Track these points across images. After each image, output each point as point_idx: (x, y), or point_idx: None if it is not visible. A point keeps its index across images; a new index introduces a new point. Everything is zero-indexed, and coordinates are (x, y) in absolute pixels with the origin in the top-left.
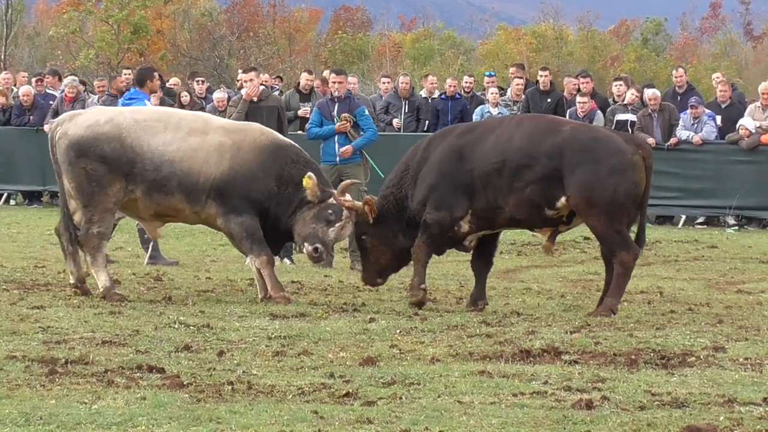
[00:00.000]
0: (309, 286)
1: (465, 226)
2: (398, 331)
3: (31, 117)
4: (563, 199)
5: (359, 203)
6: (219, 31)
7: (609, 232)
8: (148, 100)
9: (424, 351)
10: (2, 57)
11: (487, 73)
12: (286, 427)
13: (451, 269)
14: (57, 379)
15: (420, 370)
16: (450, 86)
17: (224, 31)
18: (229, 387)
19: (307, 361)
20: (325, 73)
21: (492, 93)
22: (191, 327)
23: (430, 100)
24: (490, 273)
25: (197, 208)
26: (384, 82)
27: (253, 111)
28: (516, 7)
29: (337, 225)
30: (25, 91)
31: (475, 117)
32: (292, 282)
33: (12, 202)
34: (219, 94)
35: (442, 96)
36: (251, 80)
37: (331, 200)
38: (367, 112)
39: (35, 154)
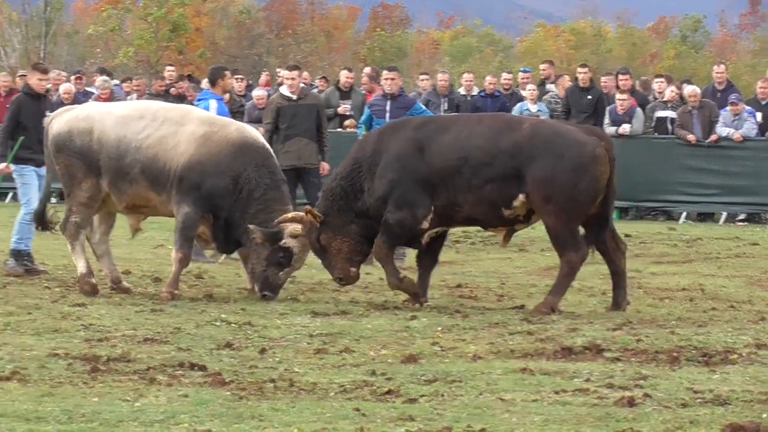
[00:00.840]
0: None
1: (425, 223)
2: (440, 328)
3: None
4: (521, 197)
5: (300, 214)
6: (257, 28)
7: (563, 231)
8: (220, 100)
9: (465, 348)
10: (41, 55)
11: (522, 69)
12: (327, 425)
13: (491, 267)
14: (99, 377)
15: (461, 368)
16: (489, 84)
17: (263, 29)
18: (271, 384)
19: (348, 358)
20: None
21: (530, 90)
22: (233, 324)
23: (469, 98)
24: (532, 270)
25: (163, 197)
26: (422, 80)
27: (292, 109)
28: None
29: (287, 269)
30: (66, 89)
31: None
32: (333, 280)
33: (53, 200)
34: (258, 92)
35: (481, 93)
36: (293, 79)
37: (284, 242)
38: (423, 107)
39: None
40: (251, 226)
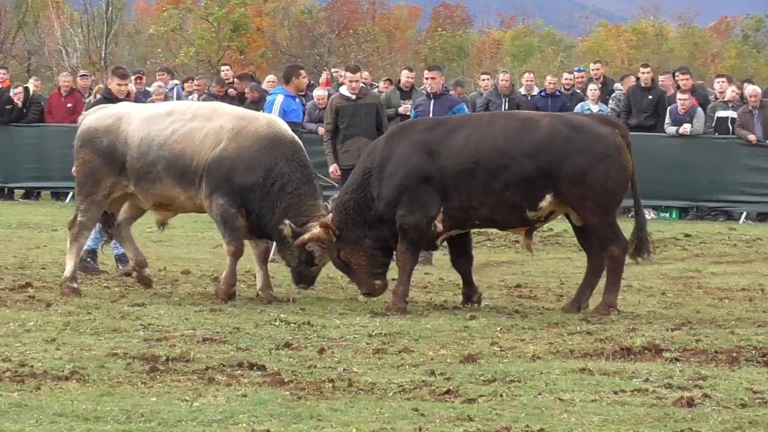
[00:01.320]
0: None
1: (439, 226)
2: (499, 328)
3: None
4: (548, 198)
5: (317, 230)
6: (318, 28)
7: (602, 225)
8: (291, 97)
9: (524, 348)
10: (102, 55)
11: (577, 69)
12: (386, 425)
13: (551, 266)
14: (158, 377)
15: (520, 368)
16: (550, 83)
17: (324, 29)
18: (330, 384)
19: (407, 358)
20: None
21: (592, 89)
22: (292, 324)
23: (529, 98)
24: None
25: (191, 193)
26: (483, 80)
27: (351, 109)
28: (616, 3)
29: (317, 263)
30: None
31: None
32: (393, 280)
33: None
34: (319, 92)
35: (542, 93)
36: (356, 81)
37: (308, 246)
38: (466, 109)
39: None
40: (286, 221)
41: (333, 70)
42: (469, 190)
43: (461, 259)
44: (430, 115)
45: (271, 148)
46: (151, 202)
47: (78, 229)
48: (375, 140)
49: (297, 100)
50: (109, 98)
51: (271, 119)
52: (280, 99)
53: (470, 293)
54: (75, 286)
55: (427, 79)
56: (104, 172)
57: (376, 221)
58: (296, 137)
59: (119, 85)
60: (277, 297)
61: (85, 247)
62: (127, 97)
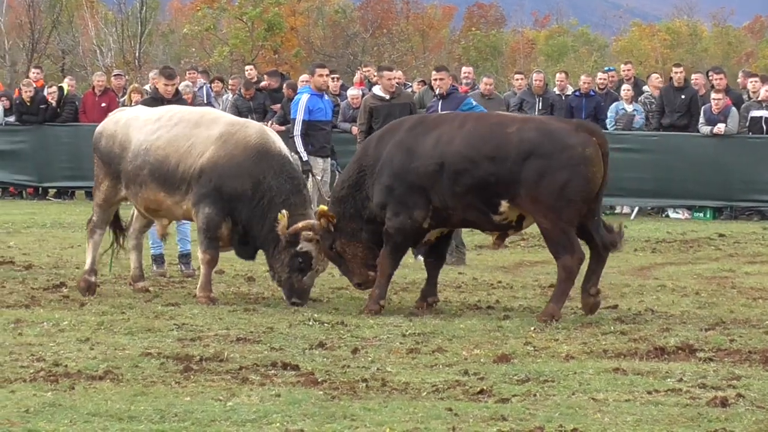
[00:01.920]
0: (443, 284)
1: (425, 224)
2: (532, 328)
3: None
4: (504, 203)
5: (311, 221)
6: (353, 28)
7: (554, 230)
8: (316, 95)
9: (558, 348)
10: (137, 55)
11: (607, 68)
12: (420, 425)
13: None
14: (192, 376)
15: (554, 368)
16: (584, 83)
17: (358, 28)
18: (364, 384)
19: (441, 358)
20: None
21: (625, 89)
22: (325, 324)
23: (563, 97)
24: (625, 270)
25: (176, 198)
26: (517, 79)
27: (385, 109)
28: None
29: (309, 272)
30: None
31: (610, 114)
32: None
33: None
34: (353, 92)
35: (576, 93)
36: (394, 78)
37: (301, 246)
38: (474, 102)
39: None
40: (284, 211)
41: (365, 69)
42: (440, 191)
43: (433, 256)
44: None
45: (259, 159)
46: (141, 207)
47: (91, 227)
48: (369, 137)
49: (326, 98)
50: (156, 98)
51: (262, 129)
52: (305, 98)
53: (428, 294)
54: (93, 280)
55: (435, 80)
56: (102, 175)
57: (372, 219)
58: (284, 149)
59: (166, 85)
60: (213, 299)
61: (151, 253)
62: (177, 95)
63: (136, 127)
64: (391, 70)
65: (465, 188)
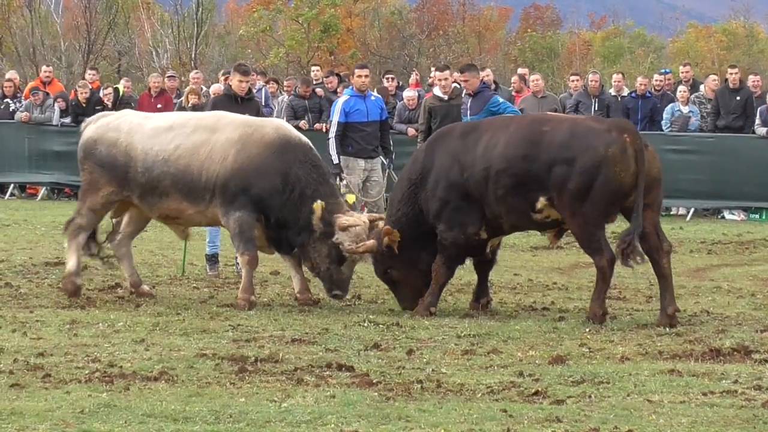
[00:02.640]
0: (498, 285)
1: (483, 234)
2: (587, 329)
3: None
4: (542, 200)
5: (372, 242)
6: (409, 29)
7: (583, 234)
8: (357, 96)
9: (613, 350)
10: (192, 56)
11: (663, 71)
12: (475, 426)
13: (640, 268)
14: (247, 377)
15: (609, 369)
16: (640, 85)
17: (414, 30)
18: (418, 385)
19: (496, 359)
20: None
21: (681, 91)
22: (381, 325)
23: (619, 99)
24: (681, 271)
25: (201, 208)
26: (573, 81)
27: (444, 109)
28: (706, 5)
29: (347, 263)
30: (216, 89)
31: (666, 116)
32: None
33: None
34: (409, 93)
35: (632, 94)
36: (445, 79)
37: (336, 237)
38: (501, 100)
39: None
40: (319, 201)
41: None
42: (488, 200)
43: (483, 261)
44: (468, 113)
45: (282, 152)
46: (156, 215)
47: (75, 229)
48: (418, 148)
49: (372, 98)
50: (230, 95)
51: (278, 124)
52: (341, 101)
53: (481, 295)
54: (77, 281)
55: (462, 80)
56: (104, 182)
57: (430, 233)
58: (304, 138)
59: (240, 81)
60: (315, 300)
61: (206, 253)
62: (249, 94)
63: (143, 134)
64: (443, 70)
65: (504, 189)
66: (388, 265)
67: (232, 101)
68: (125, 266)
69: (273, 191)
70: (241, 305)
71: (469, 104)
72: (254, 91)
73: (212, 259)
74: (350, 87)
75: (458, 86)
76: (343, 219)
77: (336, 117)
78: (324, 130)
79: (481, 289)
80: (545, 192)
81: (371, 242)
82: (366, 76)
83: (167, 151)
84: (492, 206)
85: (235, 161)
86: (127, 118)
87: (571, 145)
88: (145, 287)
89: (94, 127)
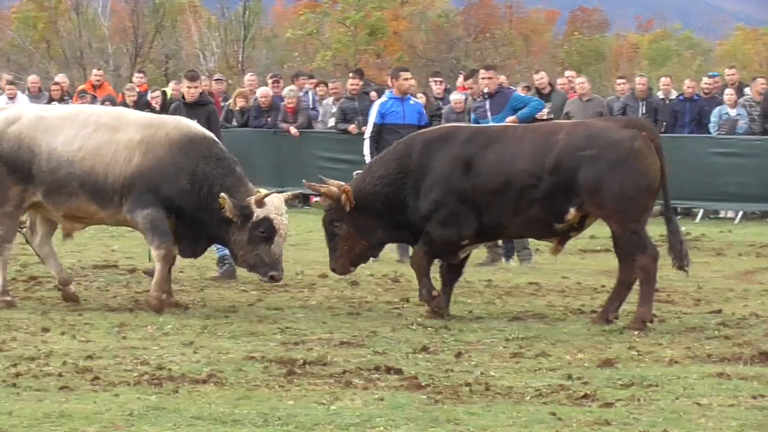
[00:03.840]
0: (547, 288)
1: (467, 240)
2: (636, 332)
3: (269, 118)
4: (572, 211)
5: (335, 189)
6: (455, 32)
7: (625, 233)
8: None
9: (662, 353)
10: (240, 59)
11: (711, 74)
12: (523, 429)
13: (689, 270)
14: (295, 380)
15: (658, 372)
16: (688, 88)
17: (460, 33)
18: (467, 388)
19: (544, 362)
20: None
21: (728, 94)
22: (429, 328)
23: (667, 102)
24: (729, 274)
25: (110, 211)
26: (620, 84)
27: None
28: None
29: (275, 238)
30: (263, 92)
31: (713, 119)
32: (530, 284)
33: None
34: (456, 96)
35: (680, 97)
36: (489, 78)
37: (256, 215)
38: (523, 95)
39: (272, 156)
40: (222, 195)
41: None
42: (498, 209)
43: (452, 272)
44: (488, 114)
45: (187, 150)
46: (61, 214)
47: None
48: (411, 136)
49: (412, 101)
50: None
51: (178, 121)
52: (378, 102)
53: (445, 304)
54: (8, 299)
55: (483, 78)
56: (9, 182)
57: (400, 224)
58: (208, 133)
59: (189, 87)
60: (163, 303)
61: (217, 254)
62: (202, 99)
63: (43, 129)
64: (475, 72)
65: (529, 203)
66: (339, 219)
67: (184, 107)
68: (51, 265)
69: (182, 191)
70: (152, 303)
71: (488, 105)
72: (300, 94)
73: (222, 261)
74: (390, 90)
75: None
76: (255, 197)
77: (372, 118)
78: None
79: (446, 300)
80: (575, 201)
81: (334, 188)
82: (405, 78)
83: (70, 152)
84: (502, 215)
85: (140, 164)
86: (26, 110)
87: (591, 146)
88: (72, 288)
89: None
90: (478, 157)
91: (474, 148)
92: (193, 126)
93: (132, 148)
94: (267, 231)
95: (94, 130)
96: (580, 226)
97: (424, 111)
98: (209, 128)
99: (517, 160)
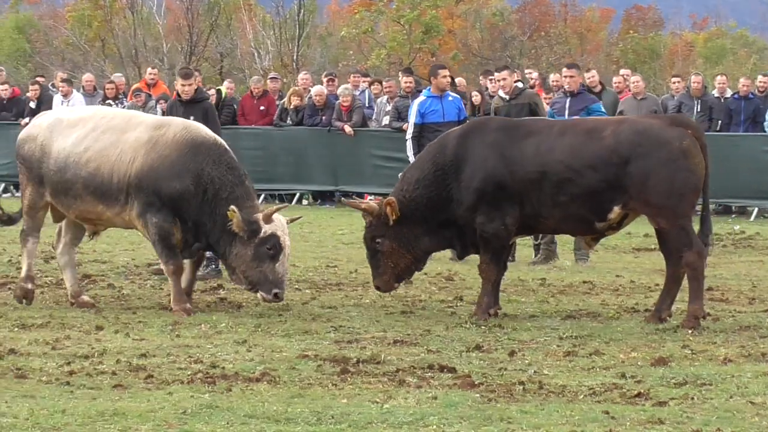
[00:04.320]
0: (600, 287)
1: (512, 230)
2: (690, 331)
3: (323, 117)
4: (616, 209)
5: (375, 205)
6: (510, 30)
7: (673, 229)
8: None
9: (716, 351)
10: (294, 57)
11: (765, 72)
12: (576, 428)
13: (743, 269)
14: (348, 379)
15: (712, 371)
16: (743, 86)
17: (515, 31)
18: (520, 387)
19: (598, 361)
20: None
21: None
22: (482, 327)
23: (722, 100)
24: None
25: (117, 209)
26: (674, 82)
27: (505, 109)
28: None
29: (280, 256)
30: (318, 91)
31: None
32: (584, 282)
33: (304, 201)
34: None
35: (735, 96)
36: (504, 79)
37: (264, 231)
38: (602, 109)
39: (327, 154)
40: (232, 207)
41: (526, 71)
42: (537, 200)
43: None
44: (566, 113)
45: (194, 153)
46: (74, 216)
47: (22, 236)
48: (445, 134)
49: (450, 99)
50: (179, 99)
51: (188, 124)
52: (417, 102)
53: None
54: (29, 287)
55: (565, 77)
56: (26, 181)
57: (444, 223)
58: (219, 139)
59: (182, 85)
60: (190, 310)
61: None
62: (198, 95)
63: (58, 131)
64: (501, 70)
65: (570, 197)
66: (381, 234)
67: (180, 105)
68: (67, 276)
69: (185, 192)
70: (179, 314)
71: (568, 103)
72: (356, 93)
73: (210, 259)
74: (428, 88)
75: (519, 86)
76: (263, 213)
77: (412, 118)
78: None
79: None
80: (619, 199)
81: (374, 204)
82: (443, 76)
83: (77, 153)
84: (542, 207)
85: (145, 162)
86: (51, 113)
87: (641, 142)
88: (85, 297)
89: (28, 126)
90: (517, 147)
91: (511, 137)
92: (205, 130)
93: (137, 147)
94: (274, 248)
95: (103, 132)
96: (618, 225)
97: (463, 106)
98: (206, 124)
99: (557, 153)
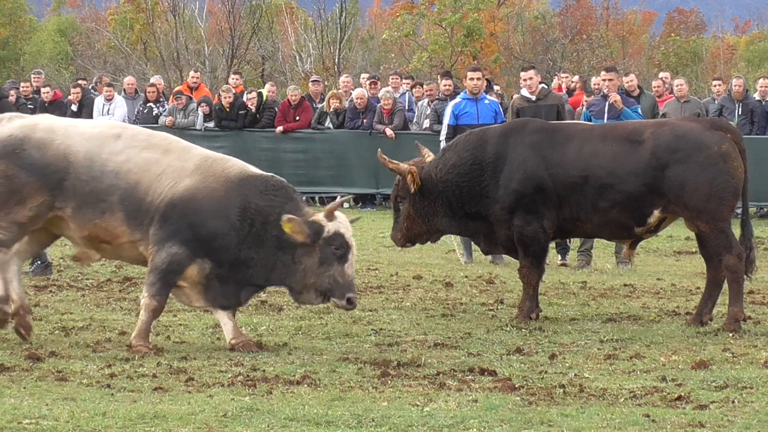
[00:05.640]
0: (641, 290)
1: (550, 232)
2: (731, 334)
3: (365, 120)
4: (656, 213)
5: (403, 166)
6: (552, 33)
7: (713, 232)
8: (473, 101)
9: (757, 354)
10: (336, 60)
11: None
12: (617, 431)
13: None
14: (389, 382)
15: (753, 374)
16: None
17: (557, 34)
18: (561, 390)
19: (639, 364)
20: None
21: None
22: (523, 330)
23: (763, 103)
24: None
25: (136, 236)
26: (716, 85)
27: (532, 110)
28: None
29: (349, 256)
30: (359, 93)
31: None
32: (624, 285)
33: (345, 204)
34: None
35: None
36: (530, 79)
37: (327, 230)
38: (638, 111)
39: (368, 157)
40: (284, 216)
41: (562, 75)
42: (577, 204)
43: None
44: (605, 115)
45: (241, 186)
46: (85, 233)
47: None
48: (484, 129)
49: (487, 102)
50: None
51: (239, 161)
52: (451, 104)
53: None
54: (5, 308)
55: (604, 80)
56: (32, 191)
57: (472, 215)
58: (262, 172)
59: (446, 86)
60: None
61: None
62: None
63: (82, 137)
64: (527, 70)
65: (612, 203)
66: (404, 196)
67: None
68: (12, 288)
69: (230, 229)
70: (136, 350)
71: (606, 107)
72: (397, 95)
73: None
74: (464, 90)
75: (545, 87)
76: (326, 209)
77: (446, 120)
78: None
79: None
80: (659, 203)
81: (403, 165)
82: (478, 78)
83: (117, 162)
84: (581, 211)
85: (188, 189)
86: (52, 119)
87: (680, 147)
88: (29, 318)
89: (14, 125)
90: (557, 149)
91: (552, 139)
92: (249, 166)
93: (184, 174)
94: (341, 247)
95: (145, 147)
96: (655, 228)
97: (501, 109)
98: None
99: (600, 158)
